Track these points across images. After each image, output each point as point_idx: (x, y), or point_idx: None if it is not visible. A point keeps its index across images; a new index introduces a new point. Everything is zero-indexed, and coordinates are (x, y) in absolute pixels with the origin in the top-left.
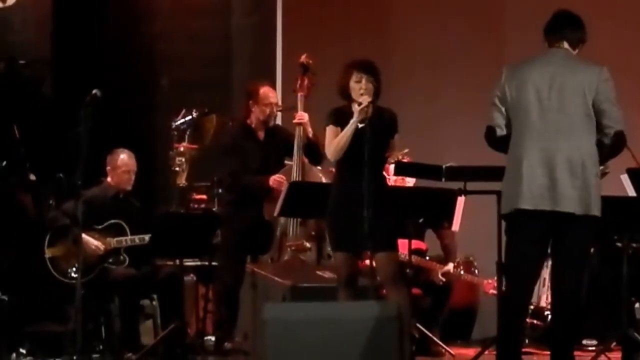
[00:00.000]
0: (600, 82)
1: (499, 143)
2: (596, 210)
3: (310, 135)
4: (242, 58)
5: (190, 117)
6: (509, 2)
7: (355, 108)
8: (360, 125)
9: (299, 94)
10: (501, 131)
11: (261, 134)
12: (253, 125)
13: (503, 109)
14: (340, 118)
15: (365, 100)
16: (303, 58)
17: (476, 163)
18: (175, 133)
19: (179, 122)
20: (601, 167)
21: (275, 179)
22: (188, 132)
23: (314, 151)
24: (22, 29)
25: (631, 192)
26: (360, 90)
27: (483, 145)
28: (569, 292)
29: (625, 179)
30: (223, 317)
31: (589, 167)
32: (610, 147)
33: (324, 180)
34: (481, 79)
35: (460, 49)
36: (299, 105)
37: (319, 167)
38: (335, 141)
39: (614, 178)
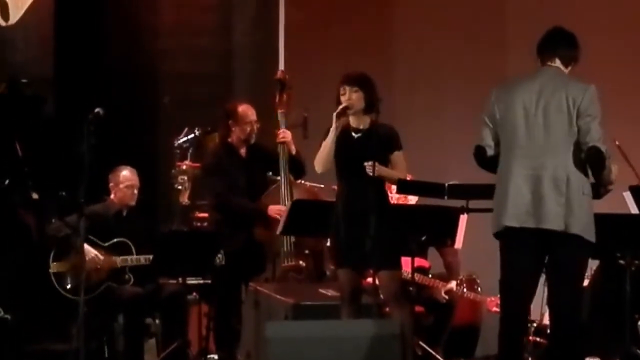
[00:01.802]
0: (585, 101)
1: (489, 163)
2: (577, 229)
3: (294, 152)
4: (244, 76)
5: (192, 135)
6: (510, 19)
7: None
8: (356, 136)
9: (279, 111)
10: (490, 150)
11: (243, 152)
12: (235, 144)
13: (492, 128)
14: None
15: (342, 104)
16: (279, 74)
17: (479, 181)
18: (178, 151)
19: (181, 141)
20: (610, 186)
21: (276, 211)
22: (190, 151)
23: (297, 167)
24: (25, 47)
25: (634, 209)
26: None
27: None
28: (564, 309)
29: (627, 196)
30: (223, 337)
31: (573, 184)
32: (586, 161)
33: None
34: (484, 97)
35: (462, 66)
36: (280, 122)
37: (304, 182)
38: (319, 151)
39: (617, 195)
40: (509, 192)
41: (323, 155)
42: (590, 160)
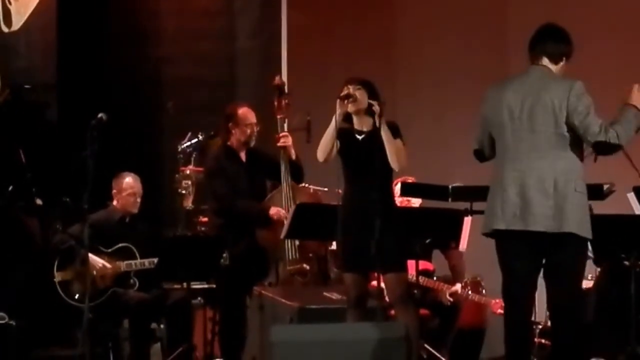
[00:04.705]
0: (571, 97)
1: (485, 160)
2: (573, 227)
3: (293, 157)
4: (247, 81)
5: (196, 140)
6: (512, 21)
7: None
8: (360, 137)
9: (279, 117)
10: (486, 151)
11: (243, 156)
12: (235, 147)
13: (485, 129)
14: (339, 134)
15: (344, 91)
16: (277, 80)
17: (482, 183)
18: (181, 156)
19: (184, 145)
20: (607, 186)
21: (276, 212)
22: (194, 155)
23: (296, 171)
24: (28, 54)
25: (638, 210)
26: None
27: (489, 165)
28: (562, 310)
29: (631, 197)
30: (228, 342)
31: (561, 185)
32: (598, 154)
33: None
34: None
35: (464, 69)
36: (280, 127)
37: (308, 186)
38: (322, 139)
39: (621, 196)
40: (497, 195)
41: (326, 142)
42: (602, 153)
